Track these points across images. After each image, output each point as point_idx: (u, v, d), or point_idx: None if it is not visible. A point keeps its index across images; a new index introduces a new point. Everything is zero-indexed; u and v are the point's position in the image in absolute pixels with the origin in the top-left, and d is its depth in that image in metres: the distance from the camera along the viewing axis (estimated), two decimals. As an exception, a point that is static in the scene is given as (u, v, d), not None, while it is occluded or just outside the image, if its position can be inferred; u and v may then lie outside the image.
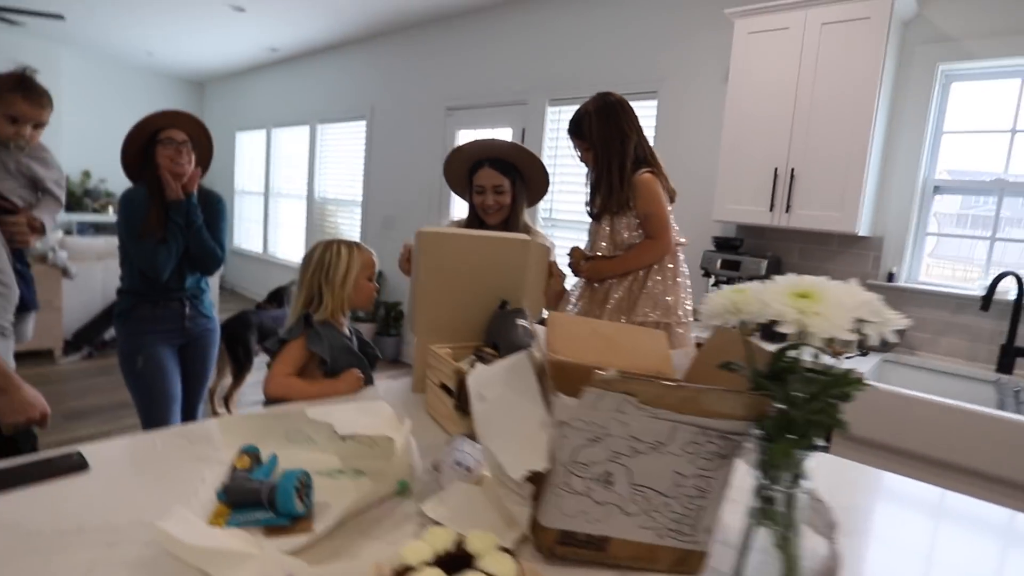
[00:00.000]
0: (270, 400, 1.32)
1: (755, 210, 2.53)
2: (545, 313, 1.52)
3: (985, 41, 2.24)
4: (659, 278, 1.78)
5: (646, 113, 3.26)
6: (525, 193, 1.82)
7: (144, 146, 1.84)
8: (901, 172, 2.42)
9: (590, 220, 1.95)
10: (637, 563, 0.74)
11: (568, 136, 1.89)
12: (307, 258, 1.44)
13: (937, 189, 2.44)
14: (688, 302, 1.84)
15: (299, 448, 0.96)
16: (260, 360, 3.94)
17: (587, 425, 0.68)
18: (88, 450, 0.94)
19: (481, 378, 0.90)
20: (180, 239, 1.85)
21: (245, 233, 7.15)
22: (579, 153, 1.89)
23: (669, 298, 1.77)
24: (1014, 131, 2.28)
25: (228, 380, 3.13)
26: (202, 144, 1.94)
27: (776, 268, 2.60)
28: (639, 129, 1.80)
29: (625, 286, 1.82)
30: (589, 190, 1.90)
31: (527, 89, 3.83)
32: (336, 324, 1.43)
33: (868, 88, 2.22)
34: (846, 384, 0.60)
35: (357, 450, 0.93)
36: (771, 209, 2.47)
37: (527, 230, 1.79)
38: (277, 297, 3.63)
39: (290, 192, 6.25)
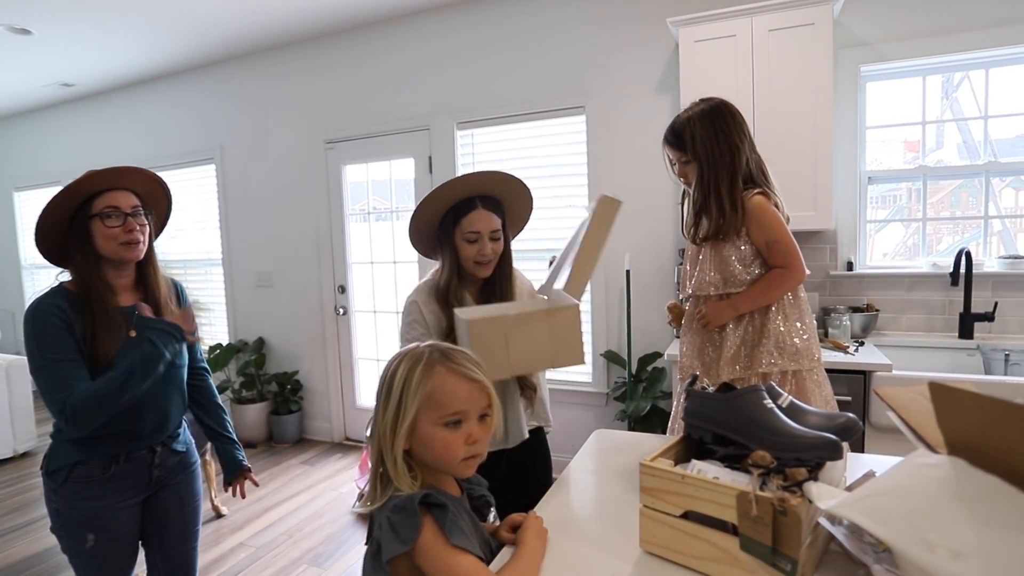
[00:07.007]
0: None
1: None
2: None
3: (896, 44, 2.45)
4: (780, 318, 1.50)
5: (574, 130, 3.11)
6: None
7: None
8: (845, 166, 2.57)
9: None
10: None
11: (664, 145, 1.62)
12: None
13: (870, 180, 2.64)
14: (816, 343, 1.54)
15: None
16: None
17: None
18: None
19: (922, 522, 0.59)
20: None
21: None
22: (674, 166, 1.62)
23: (796, 340, 1.49)
24: (924, 123, 2.55)
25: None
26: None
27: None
28: (750, 140, 1.56)
29: (739, 334, 1.53)
30: (688, 210, 1.62)
31: (428, 113, 3.45)
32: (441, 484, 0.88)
33: (824, 91, 2.30)
34: None
35: None
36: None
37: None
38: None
39: (111, 259, 5.01)
